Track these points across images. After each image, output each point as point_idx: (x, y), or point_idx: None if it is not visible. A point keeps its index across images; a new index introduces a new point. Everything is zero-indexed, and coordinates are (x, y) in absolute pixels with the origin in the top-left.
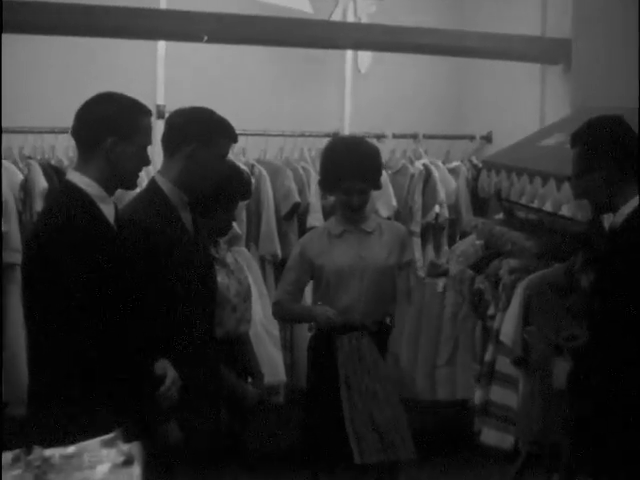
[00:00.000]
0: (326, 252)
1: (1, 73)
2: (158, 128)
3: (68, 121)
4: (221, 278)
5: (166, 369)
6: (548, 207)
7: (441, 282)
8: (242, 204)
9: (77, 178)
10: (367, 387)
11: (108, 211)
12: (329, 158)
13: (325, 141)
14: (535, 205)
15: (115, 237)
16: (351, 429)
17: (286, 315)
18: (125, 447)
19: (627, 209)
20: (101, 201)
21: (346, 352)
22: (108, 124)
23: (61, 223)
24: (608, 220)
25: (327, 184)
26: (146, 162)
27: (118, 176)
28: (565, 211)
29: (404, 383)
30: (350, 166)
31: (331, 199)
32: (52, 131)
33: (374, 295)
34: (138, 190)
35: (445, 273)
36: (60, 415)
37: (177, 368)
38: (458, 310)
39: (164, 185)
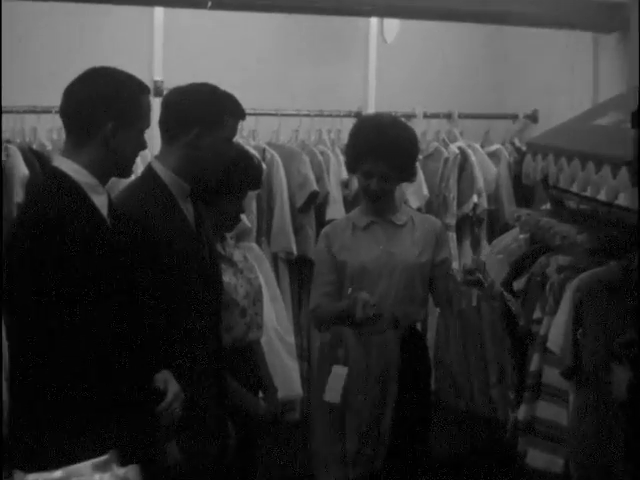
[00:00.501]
0: (349, 247)
1: None
2: (155, 107)
3: (52, 99)
4: (228, 278)
5: (167, 382)
6: (602, 196)
7: (475, 294)
8: (252, 194)
9: (66, 165)
10: (374, 390)
11: (101, 202)
12: (354, 134)
13: (346, 121)
14: (588, 194)
15: (108, 232)
16: (356, 438)
17: (326, 320)
18: (121, 471)
19: None
20: (93, 191)
21: (359, 351)
22: (108, 106)
23: (47, 216)
24: None
25: (348, 163)
26: (143, 146)
27: (115, 163)
28: (622, 200)
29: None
30: (374, 145)
31: (353, 188)
32: (33, 110)
33: (403, 297)
34: (133, 178)
35: (479, 283)
36: (45, 434)
37: (179, 381)
38: (494, 327)
39: (162, 173)
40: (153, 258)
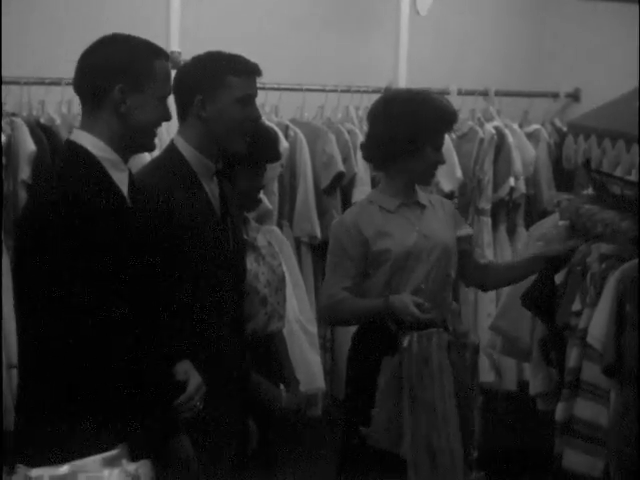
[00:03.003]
0: (387, 232)
1: None
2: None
3: (61, 71)
4: (249, 264)
5: (189, 373)
6: None
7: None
8: (273, 173)
9: (84, 138)
10: (428, 399)
11: (121, 180)
12: (425, 107)
13: (375, 97)
14: (633, 178)
15: (129, 211)
16: (411, 456)
17: (346, 318)
18: (131, 467)
19: None
20: (113, 167)
21: (414, 354)
22: (114, 69)
23: (64, 195)
24: None
25: (417, 141)
26: (166, 116)
27: (131, 134)
28: None
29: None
30: (449, 116)
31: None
32: (42, 82)
33: (441, 281)
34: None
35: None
36: (51, 426)
37: (199, 372)
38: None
39: (185, 150)
40: (174, 242)
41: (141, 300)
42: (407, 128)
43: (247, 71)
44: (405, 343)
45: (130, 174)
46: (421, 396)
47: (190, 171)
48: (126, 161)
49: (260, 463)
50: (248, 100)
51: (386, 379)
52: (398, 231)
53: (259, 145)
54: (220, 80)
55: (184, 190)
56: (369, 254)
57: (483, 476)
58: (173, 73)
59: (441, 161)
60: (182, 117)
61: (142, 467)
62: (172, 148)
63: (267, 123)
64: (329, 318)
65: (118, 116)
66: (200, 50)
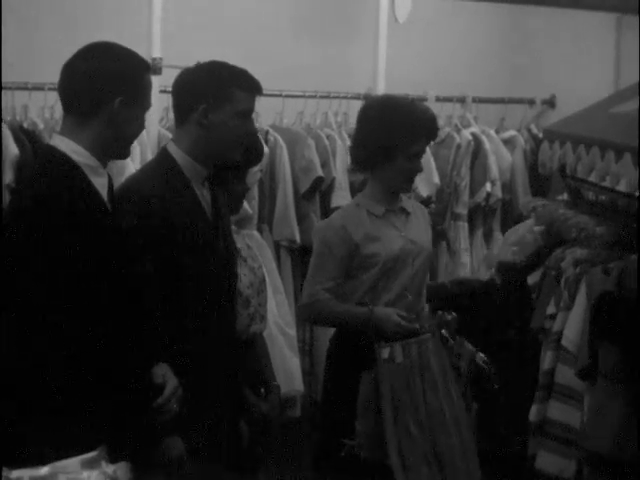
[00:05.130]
0: (376, 237)
1: None
2: (154, 86)
3: (45, 75)
4: None
5: (166, 376)
6: (622, 186)
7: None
8: (253, 176)
9: (65, 144)
10: (430, 405)
11: (101, 184)
12: (399, 116)
13: (354, 103)
14: (607, 184)
15: (108, 215)
16: (398, 461)
17: (325, 319)
18: (110, 468)
19: None
20: (93, 172)
21: (397, 364)
22: (116, 82)
23: (45, 199)
24: None
25: (390, 149)
26: (142, 127)
27: (116, 143)
28: None
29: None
30: (427, 124)
31: (360, 175)
32: (25, 87)
33: (420, 286)
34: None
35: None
36: (32, 427)
37: (189, 376)
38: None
39: (177, 156)
40: (162, 246)
41: (121, 303)
42: (378, 137)
43: (252, 87)
44: (385, 355)
45: (109, 179)
46: (413, 403)
47: (183, 177)
48: (104, 166)
49: (247, 464)
50: (249, 114)
51: (366, 392)
52: (386, 236)
53: (246, 149)
54: (226, 92)
55: (177, 195)
56: (357, 257)
57: None
58: (156, 80)
59: (416, 170)
60: (180, 122)
61: (120, 469)
62: (165, 154)
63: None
64: (308, 317)
65: (112, 126)
66: (181, 57)
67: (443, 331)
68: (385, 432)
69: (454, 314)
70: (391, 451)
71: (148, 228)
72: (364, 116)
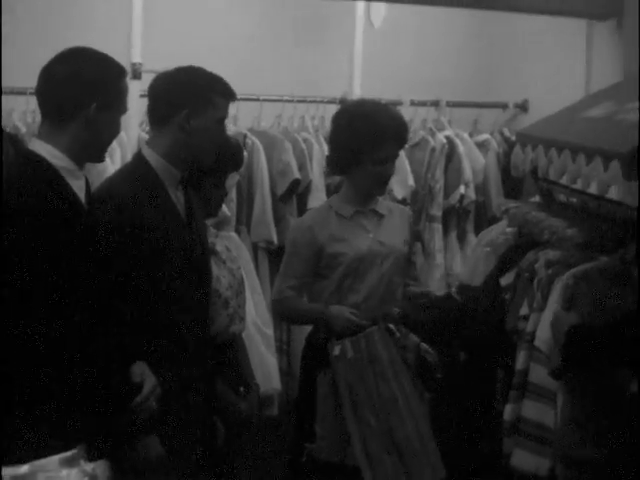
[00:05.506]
0: (341, 237)
1: None
2: (134, 91)
3: (26, 80)
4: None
5: (144, 374)
6: (593, 189)
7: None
8: (232, 182)
9: (43, 148)
10: (383, 396)
11: (78, 187)
12: (361, 121)
13: (330, 107)
14: (578, 186)
15: (87, 217)
16: (362, 454)
17: (289, 316)
18: (89, 466)
19: None
20: (71, 175)
21: (349, 360)
22: (92, 87)
23: (22, 202)
24: None
25: (356, 154)
26: (118, 131)
27: (92, 147)
28: (613, 194)
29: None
30: (394, 129)
31: (336, 177)
32: (10, 92)
33: (391, 288)
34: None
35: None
36: (11, 427)
37: (165, 374)
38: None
39: (152, 159)
40: (137, 247)
41: (97, 303)
42: (348, 142)
43: (230, 95)
44: (336, 352)
45: (87, 182)
46: (368, 394)
47: (157, 180)
48: (81, 169)
49: (224, 463)
50: (224, 121)
51: (323, 393)
52: (352, 236)
53: (225, 156)
54: (209, 99)
55: (151, 198)
56: (323, 257)
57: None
58: (136, 84)
59: (385, 174)
60: (159, 125)
61: (99, 467)
62: (140, 157)
63: (228, 133)
64: (276, 312)
65: (88, 130)
66: (161, 62)
67: (390, 325)
68: (347, 428)
69: (397, 309)
70: (355, 445)
71: (123, 230)
72: (336, 121)
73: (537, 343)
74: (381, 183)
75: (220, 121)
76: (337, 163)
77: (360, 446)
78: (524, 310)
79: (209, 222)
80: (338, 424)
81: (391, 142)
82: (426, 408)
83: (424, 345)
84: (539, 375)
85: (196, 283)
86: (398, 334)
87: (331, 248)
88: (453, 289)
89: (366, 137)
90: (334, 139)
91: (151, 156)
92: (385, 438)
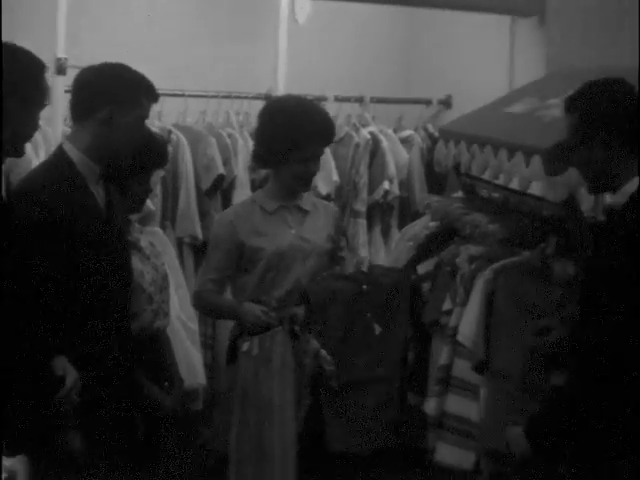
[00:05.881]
0: (262, 232)
1: None
2: (59, 86)
3: None
4: (134, 264)
5: (66, 368)
6: (515, 184)
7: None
8: (156, 177)
9: None
10: (264, 397)
11: None
12: (285, 120)
13: (255, 103)
14: (500, 182)
15: (5, 212)
16: (234, 451)
17: (208, 309)
18: (8, 462)
19: (632, 187)
20: None
21: (254, 356)
22: (11, 81)
23: None
24: (588, 201)
25: (281, 152)
26: (37, 126)
27: (11, 141)
28: (535, 189)
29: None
30: (315, 126)
31: (261, 172)
32: None
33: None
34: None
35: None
36: None
37: (84, 368)
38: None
39: (73, 154)
40: (58, 242)
41: (17, 298)
42: (274, 139)
43: (153, 95)
44: (245, 347)
45: (7, 177)
46: (256, 392)
47: (77, 174)
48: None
49: (145, 457)
50: (145, 120)
51: (226, 386)
52: (273, 232)
53: (151, 153)
54: (134, 98)
55: (71, 192)
56: (245, 251)
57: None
58: (61, 79)
59: (310, 172)
60: (80, 120)
61: (19, 463)
62: (61, 152)
63: (152, 129)
64: (195, 305)
65: (7, 125)
66: (86, 57)
67: (295, 327)
68: (231, 423)
69: (302, 309)
70: (231, 441)
71: (41, 224)
72: (263, 117)
73: (460, 338)
74: (306, 180)
75: (141, 120)
76: (262, 159)
77: (235, 440)
78: (447, 305)
79: (133, 217)
80: (229, 416)
81: (316, 141)
82: (300, 415)
83: (323, 352)
84: (462, 369)
85: (117, 278)
86: (301, 337)
87: (252, 242)
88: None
89: (292, 136)
90: (260, 135)
91: (71, 151)
92: (254, 439)
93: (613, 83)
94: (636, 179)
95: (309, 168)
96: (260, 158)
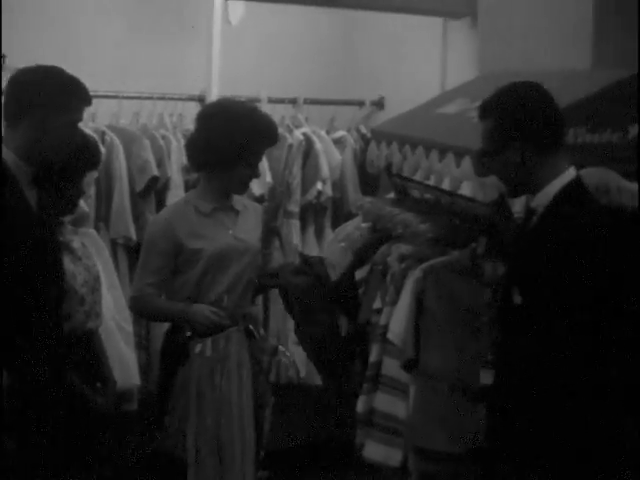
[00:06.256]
0: (201, 233)
1: None
2: None
3: None
4: (66, 265)
5: None
6: (446, 185)
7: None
8: (90, 178)
9: None
10: (223, 396)
11: None
12: (237, 125)
13: (189, 105)
14: (431, 182)
15: None
16: (193, 450)
17: (149, 313)
18: None
19: (553, 188)
20: None
21: (207, 358)
22: None
23: None
24: (519, 202)
25: (231, 157)
26: None
27: None
28: (465, 190)
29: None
30: (266, 132)
31: (194, 174)
32: None
33: (248, 282)
34: None
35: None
36: None
37: (13, 370)
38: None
39: (5, 155)
40: None
41: None
42: (221, 144)
43: (87, 99)
44: (197, 349)
45: None
46: (212, 393)
47: (10, 176)
48: None
49: (80, 458)
50: (78, 123)
51: (179, 388)
52: (212, 233)
53: (83, 155)
54: (67, 101)
55: (3, 195)
56: (182, 252)
57: (266, 475)
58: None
59: (253, 175)
60: (13, 122)
61: None
62: None
63: (86, 130)
64: (135, 310)
65: None
66: (21, 58)
67: (250, 326)
68: (187, 425)
69: (256, 306)
70: (189, 440)
71: None
72: (204, 121)
73: (390, 336)
74: (246, 183)
75: (74, 123)
76: (204, 162)
77: (193, 442)
78: (377, 304)
79: (67, 219)
80: (184, 419)
81: (265, 144)
82: (268, 413)
83: (282, 348)
84: (392, 367)
85: (48, 280)
86: (257, 336)
87: (191, 244)
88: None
89: (241, 141)
90: (202, 139)
91: (4, 152)
92: (213, 439)
93: (525, 87)
94: (557, 180)
95: (255, 171)
96: (199, 162)
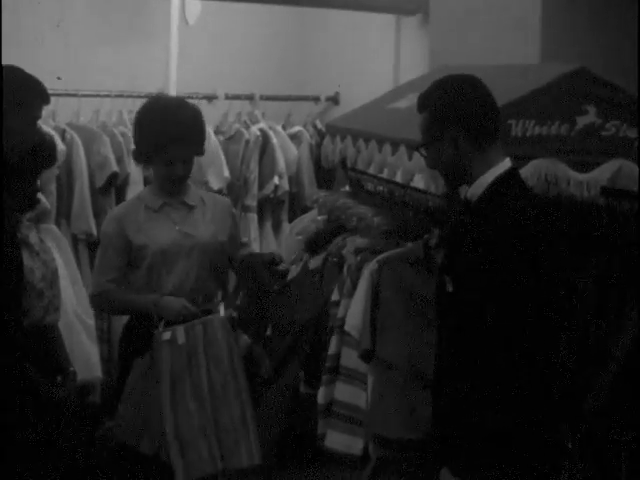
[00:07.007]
0: (146, 229)
1: None
2: None
3: None
4: (24, 260)
5: None
6: (399, 177)
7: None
8: (51, 175)
9: None
10: (213, 379)
11: None
12: (146, 123)
13: None
14: (384, 175)
15: None
16: (175, 441)
17: (113, 307)
18: None
19: (486, 179)
20: None
21: (180, 345)
22: None
23: None
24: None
25: (145, 154)
26: None
27: None
28: (418, 182)
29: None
30: (174, 131)
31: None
32: None
33: (203, 276)
34: None
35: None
36: None
37: None
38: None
39: None
40: None
41: None
42: (140, 141)
43: (46, 97)
44: (166, 337)
45: None
46: (190, 380)
47: None
48: None
49: (42, 452)
50: (37, 121)
51: (135, 376)
52: (157, 229)
53: (39, 153)
54: (24, 99)
55: None
56: (132, 249)
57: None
58: None
59: (174, 174)
60: None
61: None
62: None
63: (44, 129)
64: (98, 307)
65: None
66: None
67: (234, 314)
68: (162, 411)
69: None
70: (168, 430)
71: None
72: (136, 116)
73: (347, 328)
74: (173, 182)
75: (32, 121)
76: (138, 159)
77: (173, 433)
78: (335, 296)
79: (28, 215)
80: (140, 408)
81: (176, 145)
82: (253, 394)
83: (256, 346)
84: (350, 358)
85: (7, 275)
86: (236, 328)
87: (137, 240)
88: None
89: (153, 139)
90: (133, 134)
91: None
92: (205, 422)
93: (459, 80)
94: (491, 171)
95: (173, 171)
96: (135, 156)
